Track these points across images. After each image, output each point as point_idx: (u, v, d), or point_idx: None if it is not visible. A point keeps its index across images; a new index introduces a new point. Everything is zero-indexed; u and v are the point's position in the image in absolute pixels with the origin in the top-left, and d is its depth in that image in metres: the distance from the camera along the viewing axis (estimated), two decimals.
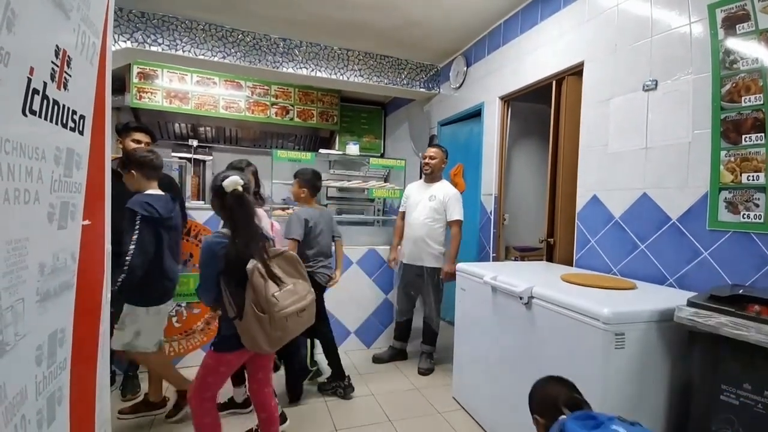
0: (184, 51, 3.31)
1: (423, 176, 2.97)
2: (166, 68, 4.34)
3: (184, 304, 2.74)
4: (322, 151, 3.61)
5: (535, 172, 3.58)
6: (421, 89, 4.12)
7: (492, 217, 3.22)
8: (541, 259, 2.77)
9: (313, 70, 3.71)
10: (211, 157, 4.83)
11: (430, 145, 3.00)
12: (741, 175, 1.54)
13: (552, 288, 1.73)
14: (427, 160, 2.88)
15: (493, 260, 3.16)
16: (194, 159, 4.58)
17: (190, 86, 4.45)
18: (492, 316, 2.04)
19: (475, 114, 3.50)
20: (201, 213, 2.81)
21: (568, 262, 2.49)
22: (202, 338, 2.79)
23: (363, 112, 5.42)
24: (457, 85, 3.75)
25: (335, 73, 3.79)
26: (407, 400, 2.42)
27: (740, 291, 1.19)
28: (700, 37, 1.75)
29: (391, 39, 3.57)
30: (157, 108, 4.35)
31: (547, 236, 2.69)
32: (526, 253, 3.26)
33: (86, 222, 1.04)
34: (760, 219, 1.47)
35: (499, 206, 3.20)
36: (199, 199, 4.57)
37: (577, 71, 2.49)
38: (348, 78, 3.82)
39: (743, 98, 1.55)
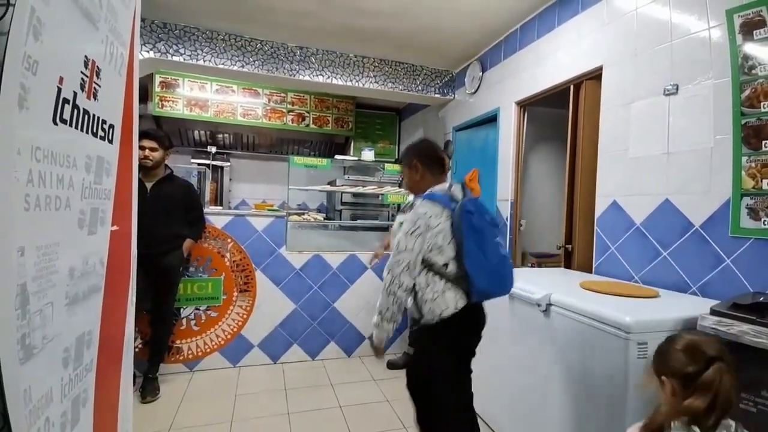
0: (204, 61, 3.40)
1: None
2: (187, 77, 4.46)
3: (203, 308, 2.80)
4: (337, 157, 3.65)
5: (552, 177, 3.54)
6: (436, 95, 4.13)
7: (508, 223, 3.19)
8: (559, 266, 2.73)
9: (329, 77, 3.76)
10: (228, 164, 4.92)
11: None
12: (762, 181, 1.50)
13: (571, 295, 1.70)
14: None
15: None
16: (212, 165, 4.68)
17: (209, 94, 4.56)
18: (509, 323, 2.02)
19: (491, 119, 3.48)
20: (219, 218, 2.86)
21: (587, 269, 2.44)
22: (219, 342, 2.84)
23: (378, 118, 5.45)
24: (473, 91, 3.74)
25: (351, 80, 3.83)
26: None
27: (761, 299, 1.16)
28: (719, 41, 1.72)
29: (406, 45, 3.60)
30: (178, 116, 4.47)
31: (565, 242, 2.65)
32: (542, 260, 3.22)
33: (115, 227, 1.07)
34: None
35: (516, 212, 3.17)
36: (217, 204, 4.66)
37: (595, 75, 2.46)
38: (363, 84, 3.85)
39: (762, 104, 1.51)
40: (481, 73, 3.63)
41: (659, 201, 2.02)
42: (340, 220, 4.66)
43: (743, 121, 1.59)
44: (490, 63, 3.54)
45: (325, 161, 3.09)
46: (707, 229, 1.78)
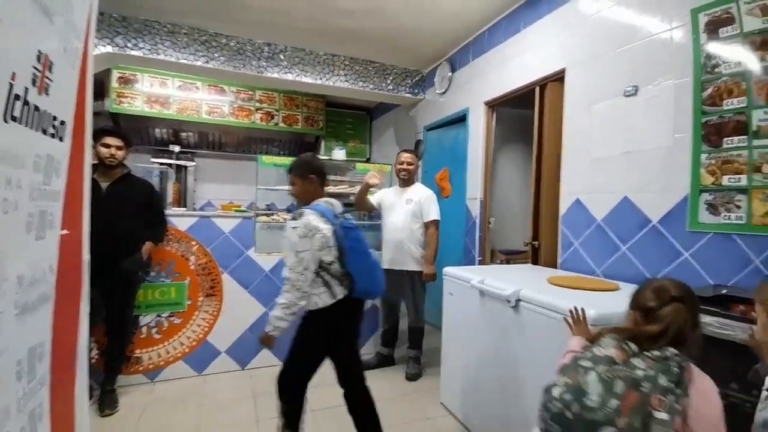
0: (165, 55, 3.26)
1: (399, 181, 3.00)
2: (147, 73, 4.25)
3: (165, 315, 2.67)
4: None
5: (520, 176, 3.64)
6: (407, 94, 4.15)
7: (477, 221, 3.25)
8: (527, 262, 2.81)
9: (298, 75, 3.69)
10: (193, 163, 4.74)
11: (405, 150, 3.03)
12: (722, 178, 1.59)
13: (539, 291, 1.75)
14: (405, 166, 2.90)
15: (479, 264, 3.19)
16: (176, 165, 4.49)
17: (171, 91, 4.37)
18: (480, 319, 2.05)
19: (461, 119, 3.54)
20: (183, 220, 2.75)
21: (553, 265, 2.52)
22: (183, 349, 2.73)
23: (349, 117, 5.42)
24: (442, 91, 3.79)
25: (321, 78, 3.78)
26: (396, 408, 2.41)
27: (723, 291, 1.23)
28: (682, 42, 1.80)
29: (377, 45, 3.59)
30: (137, 113, 4.26)
31: (532, 239, 2.73)
32: (511, 256, 3.30)
33: (64, 231, 1.00)
34: (741, 220, 1.52)
35: (485, 210, 3.23)
36: (180, 206, 4.47)
37: (559, 77, 2.55)
38: (334, 83, 3.82)
39: (725, 102, 1.59)
40: (450, 74, 3.68)
41: (619, 198, 2.12)
42: None
43: (704, 120, 1.68)
44: (459, 64, 3.59)
45: (288, 160, 3.02)
46: (664, 224, 1.88)
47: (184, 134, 4.71)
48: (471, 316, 2.12)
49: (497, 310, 1.91)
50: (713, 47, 1.65)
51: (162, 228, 2.53)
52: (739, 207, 1.52)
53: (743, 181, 1.50)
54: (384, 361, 2.98)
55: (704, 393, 0.93)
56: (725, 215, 1.58)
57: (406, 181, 2.94)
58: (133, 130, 4.29)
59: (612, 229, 2.15)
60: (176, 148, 4.46)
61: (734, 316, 1.10)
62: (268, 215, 3.07)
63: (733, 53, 1.58)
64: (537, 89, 2.72)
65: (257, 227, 2.93)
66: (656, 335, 0.98)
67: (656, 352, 0.95)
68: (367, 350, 3.20)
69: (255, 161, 3.05)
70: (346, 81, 3.87)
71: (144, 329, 2.62)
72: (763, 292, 0.96)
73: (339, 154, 3.20)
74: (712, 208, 1.64)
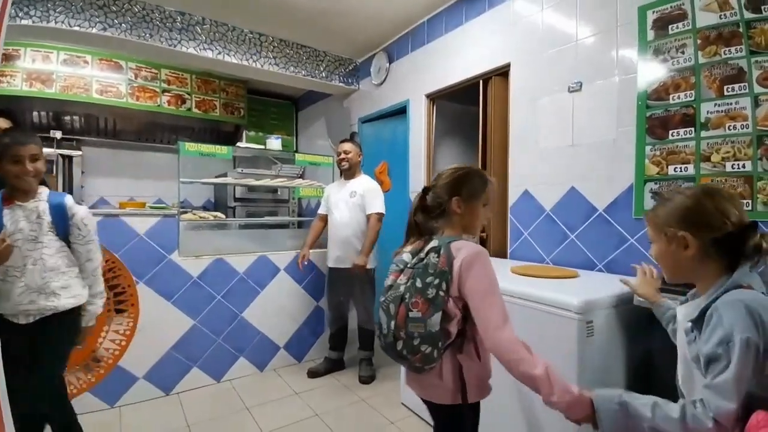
0: (57, 22, 2.62)
1: (341, 173, 2.84)
2: (30, 47, 3.42)
3: None
4: (240, 145, 3.18)
5: None
6: (340, 84, 3.94)
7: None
8: None
9: (219, 53, 3.25)
10: (79, 152, 3.91)
11: (342, 140, 2.89)
12: (668, 167, 1.73)
13: (506, 281, 1.73)
14: (342, 156, 2.77)
15: None
16: (58, 155, 3.66)
17: (55, 66, 3.57)
18: None
19: (400, 111, 3.46)
20: None
21: (503, 255, 2.58)
22: (89, 379, 2.20)
23: (273, 106, 5.01)
24: (379, 82, 3.67)
25: (246, 59, 3.38)
26: (355, 414, 2.24)
27: None
28: (627, 39, 1.92)
29: (309, 27, 3.32)
30: (14, 93, 3.40)
31: (480, 230, 2.76)
32: None
33: None
34: None
35: None
36: None
37: (503, 72, 2.61)
38: (262, 65, 3.45)
39: (671, 96, 1.72)
40: (388, 64, 3.58)
41: (566, 189, 2.22)
42: (234, 217, 4.14)
43: (648, 114, 1.81)
44: (398, 54, 3.51)
45: (225, 149, 2.65)
46: (610, 212, 2.01)
47: (67, 117, 3.86)
48: None
49: None
50: (661, 43, 1.77)
51: None
52: None
53: (690, 170, 1.65)
54: (334, 365, 2.78)
55: (467, 266, 1.04)
56: None
57: (349, 171, 2.78)
58: (8, 114, 3.39)
59: (560, 218, 2.25)
60: (58, 135, 3.64)
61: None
62: (194, 213, 2.63)
63: (683, 48, 1.70)
64: (481, 83, 2.76)
65: (181, 227, 2.49)
66: (416, 224, 1.19)
67: (414, 260, 1.12)
68: (314, 355, 2.97)
69: (162, 152, 2.59)
70: (276, 64, 3.52)
71: None
72: (653, 212, 0.95)
73: (274, 143, 2.89)
74: (657, 196, 1.78)
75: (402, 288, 1.09)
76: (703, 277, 0.89)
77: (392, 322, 1.08)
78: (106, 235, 2.26)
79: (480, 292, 1.04)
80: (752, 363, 0.74)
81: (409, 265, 1.12)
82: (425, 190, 1.22)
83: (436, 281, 1.05)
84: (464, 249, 1.07)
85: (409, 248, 1.17)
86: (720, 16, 1.57)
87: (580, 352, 1.40)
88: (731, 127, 1.54)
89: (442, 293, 1.04)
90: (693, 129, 1.64)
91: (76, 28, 2.69)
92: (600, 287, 1.63)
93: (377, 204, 2.70)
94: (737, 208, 0.85)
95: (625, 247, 1.94)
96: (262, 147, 2.87)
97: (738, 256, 0.84)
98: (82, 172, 4.04)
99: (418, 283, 1.06)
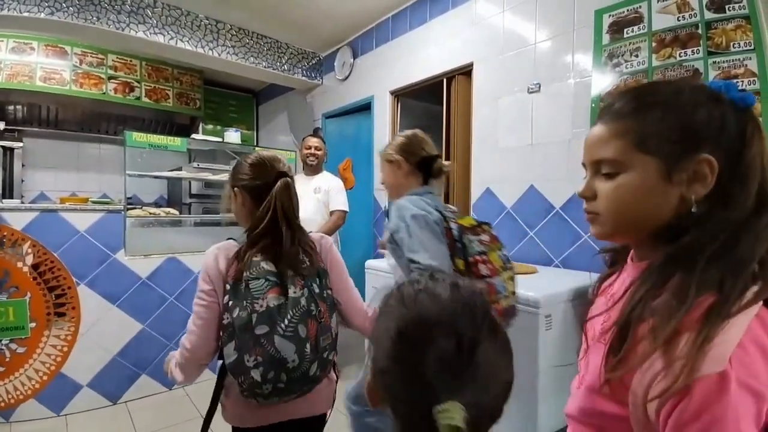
0: (9, 9, 2.41)
1: (305, 169, 2.77)
2: None
3: (5, 341, 1.94)
4: (196, 136, 3.00)
5: None
6: (303, 77, 3.84)
7: (386, 212, 3.20)
8: None
9: (172, 38, 3.07)
10: (21, 144, 3.57)
11: (313, 135, 2.82)
12: None
13: None
14: (313, 151, 2.71)
15: None
16: (0, 147, 3.33)
17: (4, 54, 3.29)
18: None
19: (364, 107, 3.43)
20: (18, 215, 2.01)
21: None
22: (33, 385, 2.02)
23: (232, 98, 4.81)
24: (344, 77, 3.61)
25: (201, 46, 3.21)
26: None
27: None
28: (583, 42, 1.99)
29: (269, 16, 3.21)
30: None
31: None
32: None
33: None
34: None
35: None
36: (6, 197, 3.36)
37: (466, 71, 2.63)
38: (219, 54, 3.29)
39: None
40: (352, 60, 3.53)
41: (526, 187, 2.28)
42: (189, 214, 3.93)
43: None
44: (362, 50, 3.47)
45: (178, 141, 2.49)
46: (566, 210, 2.09)
47: (11, 107, 3.52)
48: None
49: None
50: (616, 46, 1.84)
51: None
52: None
53: None
54: None
55: (327, 254, 1.07)
56: None
57: (314, 168, 2.72)
58: None
59: (520, 215, 2.31)
60: (1, 125, 3.31)
61: None
62: (145, 209, 2.46)
63: (637, 52, 1.76)
64: (445, 81, 2.77)
65: (128, 224, 2.32)
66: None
67: (298, 270, 0.96)
68: None
69: (108, 143, 2.42)
70: (234, 54, 3.38)
71: None
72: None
73: (233, 136, 2.76)
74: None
75: (303, 300, 0.92)
76: (408, 188, 1.32)
77: (307, 346, 0.90)
78: (45, 233, 2.08)
79: (343, 269, 1.11)
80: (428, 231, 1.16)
81: (290, 273, 0.95)
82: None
83: (324, 279, 1.00)
84: (314, 235, 1.08)
85: (259, 256, 0.95)
86: (678, 18, 1.63)
87: (542, 345, 1.44)
88: None
89: (329, 290, 1.01)
90: None
91: (26, 14, 2.46)
92: (557, 283, 1.68)
93: (341, 201, 2.66)
94: (430, 146, 1.37)
95: (580, 243, 2.02)
96: (220, 140, 2.73)
97: (429, 175, 1.35)
98: (23, 165, 3.70)
99: (316, 288, 0.97)
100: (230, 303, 0.90)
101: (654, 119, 0.51)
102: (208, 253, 0.97)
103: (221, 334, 0.93)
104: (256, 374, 0.86)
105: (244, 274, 0.91)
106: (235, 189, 1.04)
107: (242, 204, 1.03)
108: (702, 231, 0.47)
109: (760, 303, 0.43)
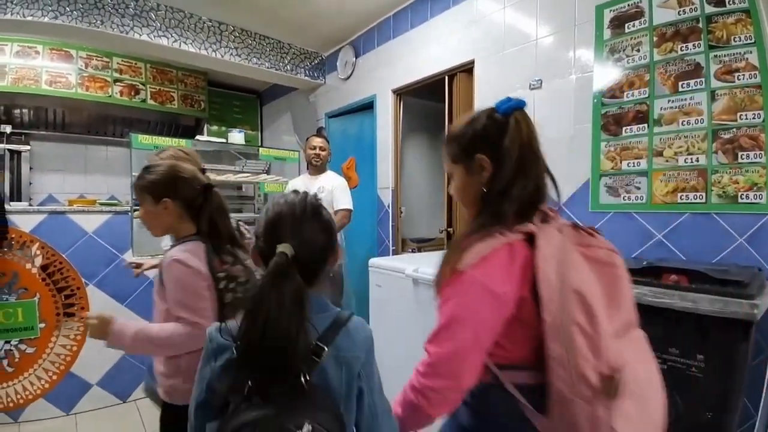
0: (13, 14, 2.46)
1: (309, 168, 2.80)
2: None
3: (14, 342, 1.98)
4: (200, 138, 3.04)
5: (427, 165, 3.73)
6: (306, 77, 3.86)
7: (390, 210, 3.21)
8: (438, 250, 2.88)
9: (176, 41, 3.10)
10: (28, 147, 3.63)
11: (317, 135, 2.85)
12: (621, 163, 1.81)
13: None
14: (317, 151, 2.74)
15: (393, 253, 3.16)
16: (6, 150, 3.40)
17: (8, 58, 3.33)
18: (415, 308, 2.00)
19: (367, 106, 3.44)
20: (27, 218, 2.06)
21: None
22: (42, 385, 2.07)
23: (236, 99, 4.84)
24: (346, 76, 3.62)
25: (205, 48, 3.24)
26: None
27: (644, 263, 1.37)
28: (585, 38, 1.98)
29: (272, 17, 3.23)
30: None
31: (446, 226, 2.80)
32: (422, 244, 3.36)
33: None
34: (642, 200, 1.74)
35: (397, 199, 3.21)
36: (14, 201, 3.42)
37: (468, 68, 2.64)
38: (222, 56, 3.32)
39: (626, 93, 1.79)
40: (354, 59, 3.54)
41: None
42: None
43: (603, 111, 1.88)
44: (364, 49, 3.48)
45: (183, 142, 2.52)
46: (569, 206, 2.08)
47: (17, 111, 3.58)
48: (404, 306, 2.05)
49: (434, 299, 1.87)
50: (617, 41, 1.83)
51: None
52: (638, 188, 1.75)
53: (643, 165, 1.73)
54: None
55: (168, 275, 1.14)
56: (625, 196, 1.80)
57: (318, 168, 2.74)
58: None
59: None
60: (7, 129, 3.36)
61: (669, 285, 1.23)
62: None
63: (639, 46, 1.75)
64: (446, 79, 2.78)
65: (135, 224, 2.36)
66: None
67: None
68: None
69: (114, 146, 2.46)
70: (237, 55, 3.40)
71: None
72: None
73: (237, 137, 2.79)
74: (612, 190, 1.86)
75: None
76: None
77: None
78: (54, 234, 2.12)
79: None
80: None
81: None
82: None
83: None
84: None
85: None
86: (679, 12, 1.62)
87: None
88: (685, 123, 1.61)
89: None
90: (646, 125, 1.72)
91: (30, 18, 2.50)
92: None
93: (346, 200, 2.68)
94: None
95: None
96: (224, 141, 2.76)
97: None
98: (31, 168, 3.76)
99: None
100: None
101: (453, 145, 0.87)
102: None
103: None
104: None
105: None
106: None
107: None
108: (485, 201, 0.82)
109: (519, 236, 0.75)
